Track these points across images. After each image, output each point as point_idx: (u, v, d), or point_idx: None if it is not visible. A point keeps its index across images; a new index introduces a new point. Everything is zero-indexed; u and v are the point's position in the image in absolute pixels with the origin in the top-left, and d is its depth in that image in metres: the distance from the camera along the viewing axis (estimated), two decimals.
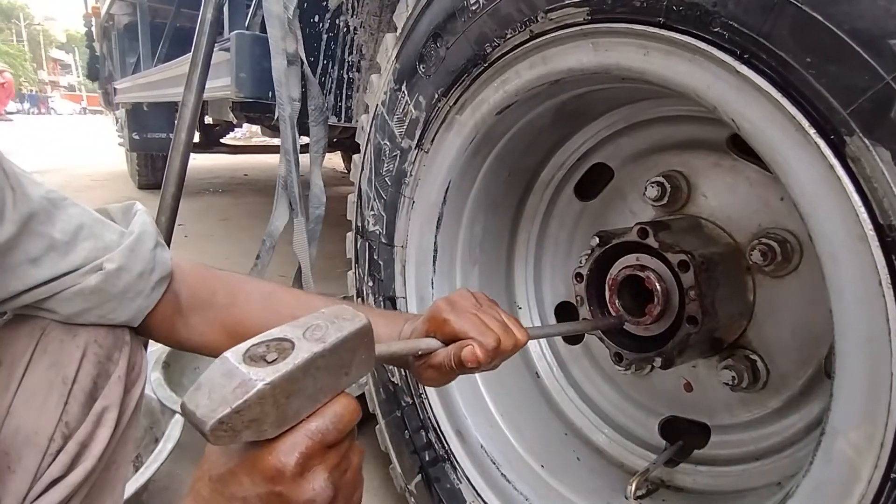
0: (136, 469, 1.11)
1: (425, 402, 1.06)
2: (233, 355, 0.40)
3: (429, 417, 1.06)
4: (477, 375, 1.07)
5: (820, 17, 0.48)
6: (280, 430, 0.40)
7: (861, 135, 0.47)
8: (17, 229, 0.56)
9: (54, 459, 0.58)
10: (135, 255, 0.64)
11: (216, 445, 0.38)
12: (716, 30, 0.57)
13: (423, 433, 1.07)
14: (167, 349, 1.55)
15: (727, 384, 0.86)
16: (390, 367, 1.11)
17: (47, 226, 0.59)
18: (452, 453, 1.03)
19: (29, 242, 0.57)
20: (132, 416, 0.67)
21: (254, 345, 0.41)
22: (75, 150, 9.90)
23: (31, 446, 0.57)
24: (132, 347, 0.67)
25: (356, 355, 0.44)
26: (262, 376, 0.38)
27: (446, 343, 0.60)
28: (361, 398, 1.27)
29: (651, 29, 0.63)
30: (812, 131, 0.51)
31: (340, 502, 0.43)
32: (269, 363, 0.40)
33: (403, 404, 1.10)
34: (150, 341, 0.76)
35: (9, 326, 0.62)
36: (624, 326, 0.89)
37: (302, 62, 1.33)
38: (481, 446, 1.02)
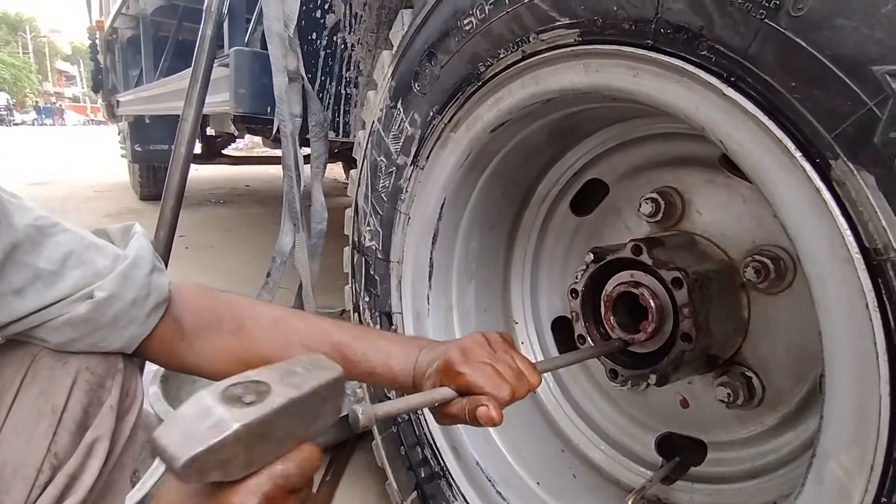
0: (134, 484, 1.11)
1: (421, 418, 1.06)
2: (210, 394, 0.40)
3: (425, 434, 1.06)
4: None
5: (803, 43, 0.49)
6: (246, 472, 0.40)
7: (845, 159, 0.48)
8: (0, 259, 0.55)
9: (43, 491, 0.57)
10: (128, 282, 0.63)
11: (181, 483, 0.39)
12: (703, 53, 0.57)
13: (420, 449, 1.07)
14: None
15: (723, 401, 0.86)
16: None
17: (32, 255, 0.57)
18: (448, 470, 1.03)
19: (12, 273, 0.56)
20: (127, 442, 0.66)
21: (232, 385, 0.41)
22: (79, 161, 9.96)
23: (19, 478, 0.56)
24: (126, 374, 0.66)
25: (326, 404, 0.45)
26: (239, 417, 0.38)
27: (461, 393, 0.60)
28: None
29: (640, 51, 0.64)
30: (798, 154, 0.51)
31: None
32: (247, 404, 0.40)
33: (399, 420, 1.09)
34: None
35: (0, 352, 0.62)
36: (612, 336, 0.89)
37: (302, 79, 1.35)
38: (477, 463, 1.01)
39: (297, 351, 0.69)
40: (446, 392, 0.61)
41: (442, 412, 0.61)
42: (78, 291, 0.60)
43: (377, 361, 0.70)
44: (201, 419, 0.38)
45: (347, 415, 0.53)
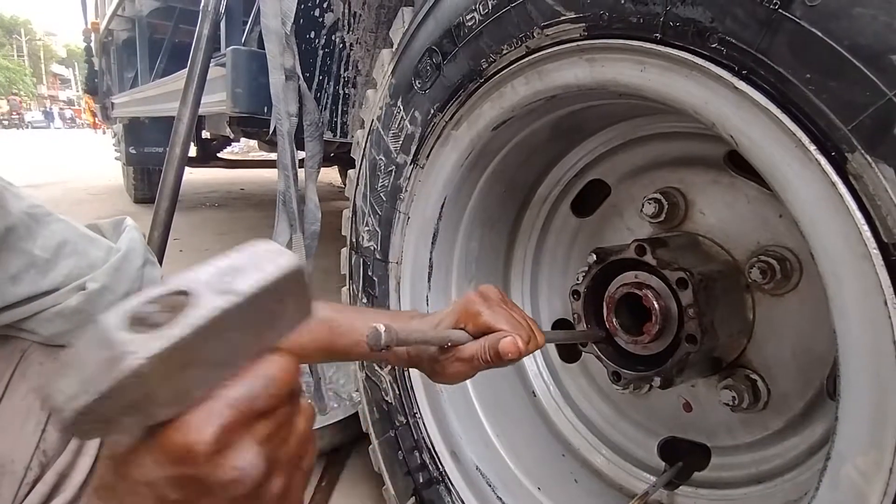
0: None
1: (419, 421, 1.04)
2: (112, 318, 0.30)
3: (423, 437, 1.03)
4: (472, 394, 1.05)
5: (819, 33, 0.47)
6: (181, 408, 0.31)
7: (863, 151, 0.46)
8: None
9: (31, 489, 0.55)
10: (120, 274, 0.62)
11: (84, 439, 0.33)
12: (713, 45, 0.56)
13: (417, 454, 1.04)
14: None
15: (727, 404, 0.85)
16: (383, 385, 1.09)
17: (27, 242, 0.57)
18: (447, 475, 1.01)
19: (7, 258, 0.55)
20: None
21: (141, 302, 0.31)
22: (72, 164, 9.90)
23: (7, 475, 0.55)
24: None
25: (285, 303, 0.34)
26: (137, 349, 0.28)
27: (475, 337, 0.59)
28: (355, 417, 1.24)
29: (648, 45, 0.62)
30: (813, 148, 0.50)
31: (280, 477, 0.36)
32: (155, 327, 0.29)
33: (397, 424, 1.07)
34: None
35: None
36: (616, 339, 0.88)
37: (298, 78, 1.33)
38: (476, 468, 0.99)
39: None
40: (461, 334, 0.58)
41: (454, 358, 0.59)
42: (71, 282, 0.59)
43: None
44: (98, 353, 0.29)
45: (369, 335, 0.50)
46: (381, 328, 0.50)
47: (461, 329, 0.60)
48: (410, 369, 1.03)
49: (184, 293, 0.31)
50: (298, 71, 1.32)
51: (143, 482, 0.32)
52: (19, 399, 0.57)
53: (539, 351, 1.15)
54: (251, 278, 0.32)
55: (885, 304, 0.47)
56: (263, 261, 0.33)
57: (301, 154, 1.44)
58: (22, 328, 0.59)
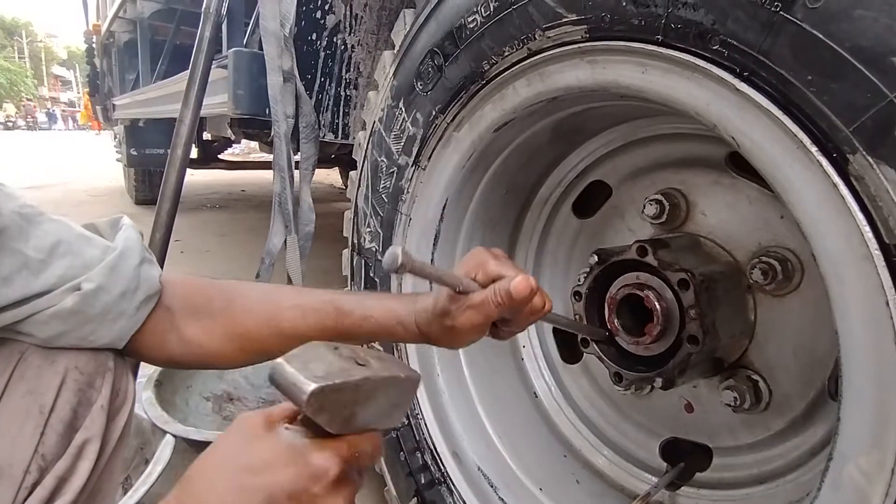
0: (126, 491, 1.08)
1: (421, 422, 1.04)
2: (324, 346, 0.42)
3: (425, 438, 1.04)
4: (474, 395, 1.05)
5: (821, 35, 0.48)
6: (341, 432, 0.41)
7: (864, 153, 0.47)
8: None
9: (30, 493, 0.55)
10: (116, 274, 0.60)
11: (273, 436, 0.39)
12: (715, 47, 0.56)
13: (419, 455, 1.05)
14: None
15: (729, 405, 0.85)
16: None
17: (19, 242, 0.55)
18: (449, 476, 1.01)
19: (0, 259, 0.54)
20: (118, 443, 0.63)
21: (338, 346, 0.43)
22: (72, 165, 9.92)
23: (5, 478, 0.54)
24: (116, 373, 0.63)
25: (403, 399, 0.46)
26: (362, 371, 0.40)
27: (485, 286, 0.59)
28: None
29: (649, 47, 0.63)
30: (814, 149, 0.50)
31: None
32: (360, 365, 0.41)
33: (399, 425, 1.07)
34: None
35: None
36: (617, 339, 0.87)
37: (296, 80, 1.33)
38: (478, 468, 0.99)
39: (290, 315, 0.67)
40: (471, 283, 0.59)
41: (466, 306, 0.58)
42: (66, 283, 0.57)
43: (376, 308, 0.67)
44: (324, 362, 0.39)
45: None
46: (398, 249, 0.50)
47: (471, 280, 0.60)
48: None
49: (362, 357, 0.43)
50: (296, 73, 1.32)
51: (266, 490, 0.39)
52: (17, 402, 0.56)
53: (540, 353, 1.15)
54: (401, 369, 0.46)
55: (887, 304, 0.47)
56: (399, 365, 0.49)
57: (297, 156, 1.45)
58: (18, 330, 0.58)
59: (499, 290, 0.56)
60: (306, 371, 0.38)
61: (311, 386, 0.37)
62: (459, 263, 0.63)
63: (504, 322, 0.63)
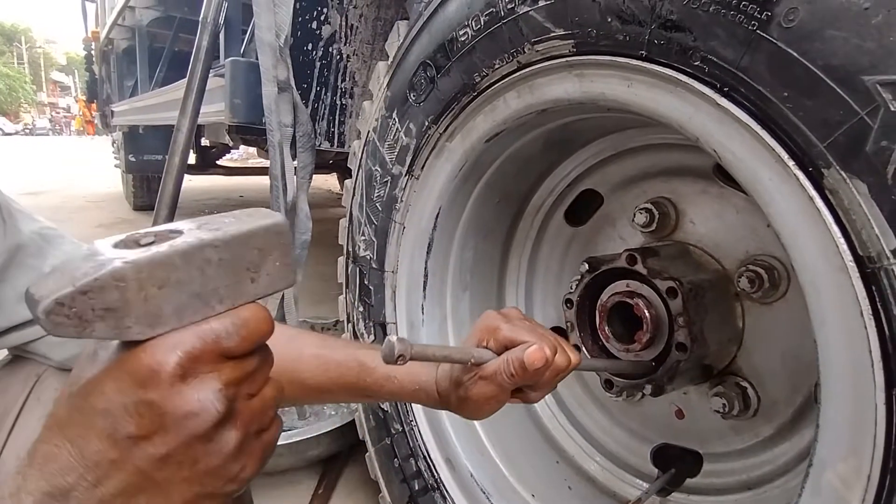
0: None
1: (415, 429, 1.05)
2: (102, 241, 0.33)
3: (419, 445, 1.04)
4: None
5: (795, 54, 0.49)
6: (154, 332, 0.33)
7: (838, 167, 0.48)
8: (3, 260, 0.54)
9: None
10: None
11: (57, 335, 0.31)
12: (696, 63, 0.58)
13: (413, 461, 1.06)
14: None
15: (718, 411, 0.86)
16: None
17: (38, 259, 0.56)
18: (442, 482, 1.02)
19: (16, 276, 0.55)
20: None
21: (134, 233, 0.34)
22: (72, 171, 9.92)
23: None
24: None
25: (266, 258, 0.36)
26: (124, 256, 0.31)
27: (499, 354, 0.56)
28: (351, 424, 1.25)
29: (634, 62, 0.64)
30: (791, 163, 0.51)
31: (237, 431, 0.35)
32: (143, 246, 0.32)
33: (393, 432, 1.08)
34: None
35: (5, 370, 0.59)
36: (608, 347, 0.89)
37: (292, 89, 1.35)
38: (471, 475, 1.00)
39: (311, 365, 0.63)
40: (484, 351, 0.56)
41: (478, 377, 0.56)
42: None
43: (400, 369, 0.63)
44: (82, 263, 0.31)
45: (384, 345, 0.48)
46: (394, 338, 0.47)
47: (484, 348, 0.57)
48: None
49: (177, 231, 0.34)
50: (293, 83, 1.34)
51: (100, 410, 0.32)
52: (33, 425, 0.56)
53: None
54: (235, 226, 0.35)
55: (861, 314, 0.48)
56: (250, 216, 0.37)
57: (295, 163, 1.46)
58: (35, 351, 0.58)
59: (512, 360, 0.53)
60: (52, 285, 0.31)
61: (40, 306, 0.30)
62: (471, 330, 0.60)
63: (528, 386, 0.60)
